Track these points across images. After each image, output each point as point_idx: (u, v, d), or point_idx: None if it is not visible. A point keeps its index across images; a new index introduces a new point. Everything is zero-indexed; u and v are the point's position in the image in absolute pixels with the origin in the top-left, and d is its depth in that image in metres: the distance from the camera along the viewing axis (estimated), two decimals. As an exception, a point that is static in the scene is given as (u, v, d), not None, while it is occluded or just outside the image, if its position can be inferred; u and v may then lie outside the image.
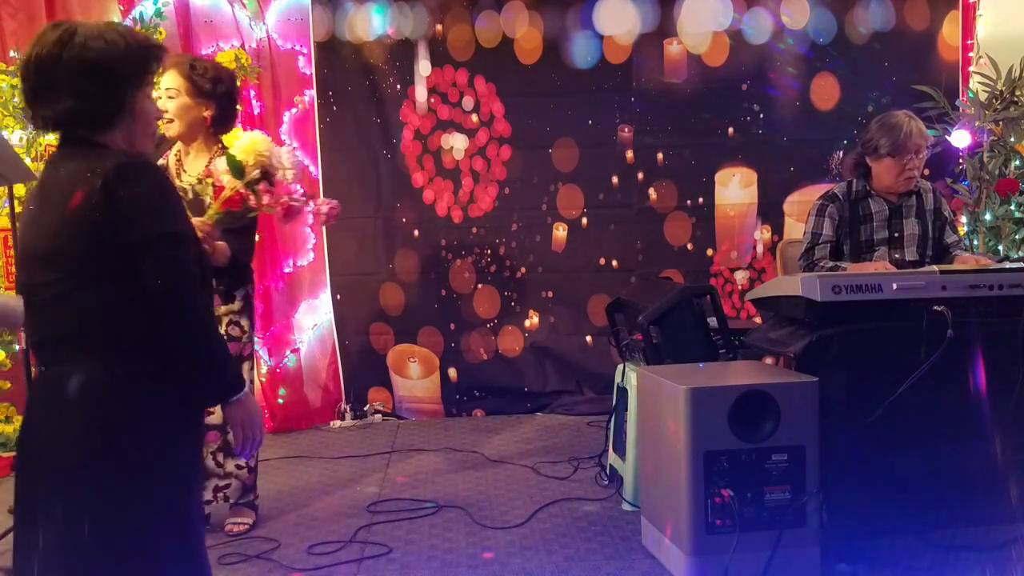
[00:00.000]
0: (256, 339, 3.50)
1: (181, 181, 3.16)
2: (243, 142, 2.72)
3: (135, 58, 1.79)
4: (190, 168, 3.20)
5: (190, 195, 3.13)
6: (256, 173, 2.70)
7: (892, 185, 3.40)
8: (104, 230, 1.67)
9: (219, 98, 3.14)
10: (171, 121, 3.10)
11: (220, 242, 2.93)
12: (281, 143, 4.87)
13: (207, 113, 3.14)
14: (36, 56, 1.74)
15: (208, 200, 2.99)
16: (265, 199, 2.70)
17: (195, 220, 2.89)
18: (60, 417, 1.70)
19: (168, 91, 3.09)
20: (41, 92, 1.76)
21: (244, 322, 3.24)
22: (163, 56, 1.87)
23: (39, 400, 1.78)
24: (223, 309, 3.17)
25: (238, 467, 3.29)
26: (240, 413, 1.83)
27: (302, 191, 2.78)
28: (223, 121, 3.22)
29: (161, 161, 3.22)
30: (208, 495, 3.25)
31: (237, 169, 2.70)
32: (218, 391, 1.82)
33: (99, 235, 1.67)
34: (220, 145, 3.22)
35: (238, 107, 3.28)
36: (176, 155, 3.24)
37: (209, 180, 3.04)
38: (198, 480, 1.94)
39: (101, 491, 1.68)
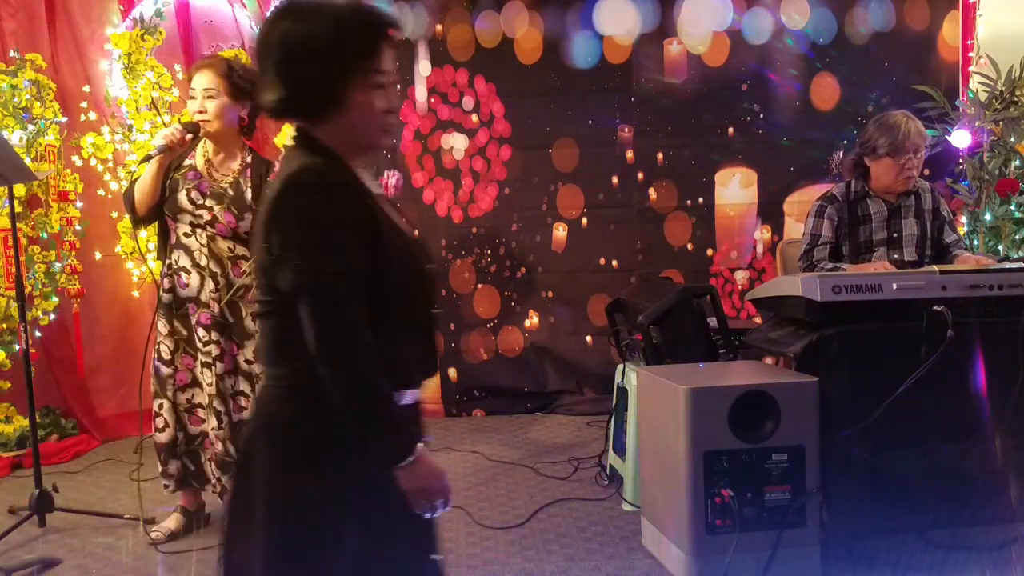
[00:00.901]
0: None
1: (215, 180, 3.16)
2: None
3: (352, 40, 1.53)
4: (221, 168, 3.19)
5: (231, 192, 3.13)
6: None
7: (891, 185, 3.40)
8: (270, 265, 1.53)
9: (255, 98, 3.14)
10: (210, 120, 3.11)
11: None
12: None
13: (243, 113, 3.17)
14: (257, 38, 1.59)
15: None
16: None
17: None
18: (247, 440, 1.64)
19: (207, 91, 3.10)
20: (261, 78, 1.59)
21: None
22: (397, 35, 1.59)
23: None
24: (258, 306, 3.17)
25: None
26: (411, 482, 1.55)
27: None
28: (253, 122, 3.26)
29: (188, 161, 3.21)
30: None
31: None
32: (379, 456, 1.54)
33: (268, 269, 1.53)
34: (252, 151, 3.25)
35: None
36: (203, 152, 3.21)
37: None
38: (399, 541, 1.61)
39: (269, 531, 1.55)
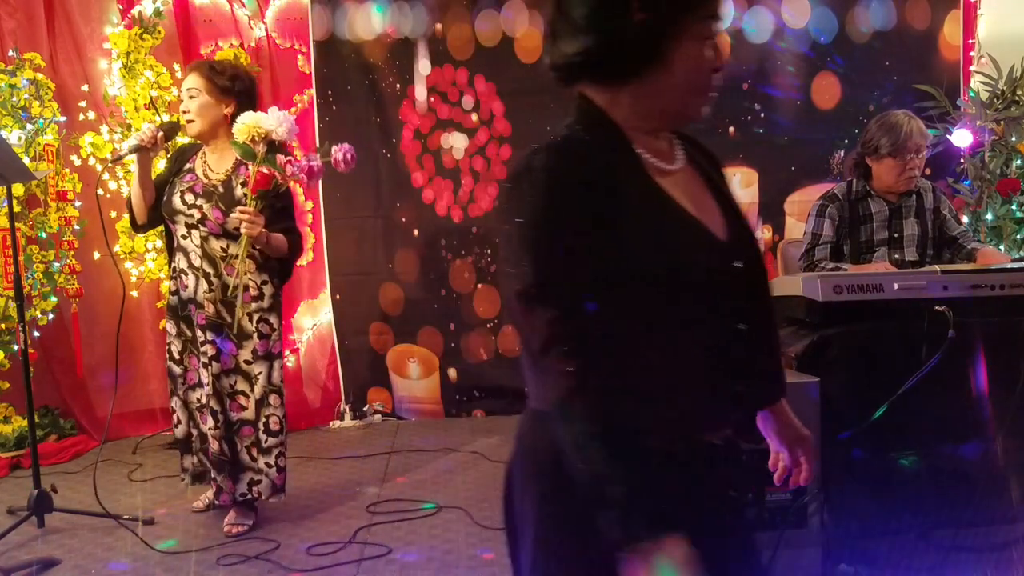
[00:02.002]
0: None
1: (209, 179, 3.21)
2: (237, 128, 2.90)
3: None
4: (215, 167, 3.24)
5: (220, 190, 3.18)
6: (262, 147, 2.88)
7: (893, 185, 3.39)
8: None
9: (238, 95, 3.22)
10: (192, 120, 3.18)
11: (276, 234, 3.11)
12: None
13: (227, 111, 3.21)
14: None
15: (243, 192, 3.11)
16: (288, 169, 2.91)
17: (237, 209, 3.00)
18: None
19: (189, 91, 3.19)
20: (551, 27, 1.27)
21: (273, 319, 3.28)
22: None
23: None
24: (253, 306, 3.21)
25: (268, 465, 3.28)
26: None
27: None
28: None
29: (188, 165, 3.28)
30: (243, 488, 3.28)
31: (248, 153, 2.88)
32: (610, 520, 1.12)
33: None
34: None
35: (256, 105, 3.31)
36: (201, 155, 3.28)
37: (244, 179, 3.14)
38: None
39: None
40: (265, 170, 2.93)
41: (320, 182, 4.90)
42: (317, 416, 4.99)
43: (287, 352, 4.92)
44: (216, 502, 3.36)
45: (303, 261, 4.96)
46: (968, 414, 2.77)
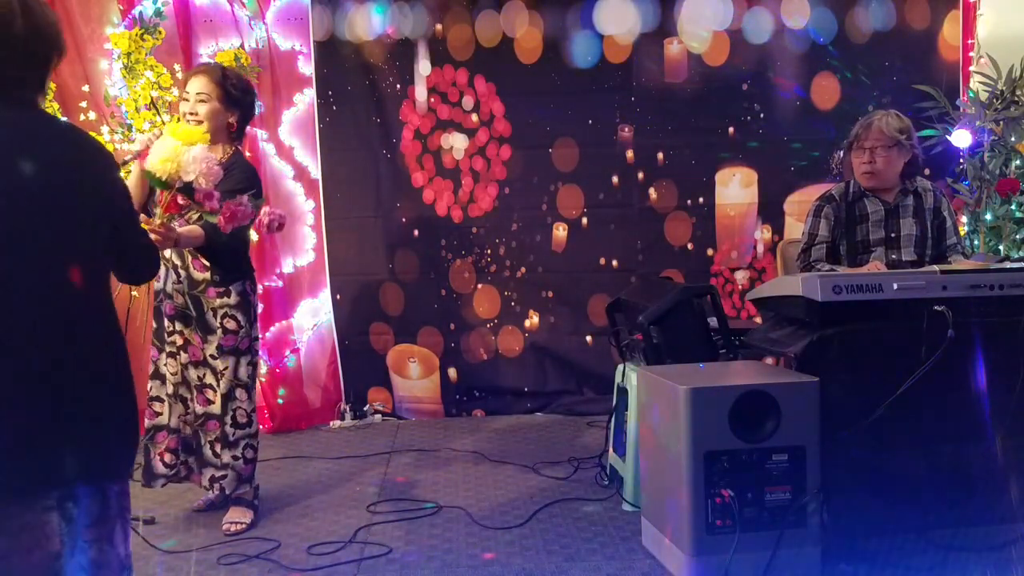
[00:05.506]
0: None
1: None
2: (154, 162, 2.70)
3: None
4: None
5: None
6: (179, 184, 2.75)
7: (859, 179, 3.43)
8: None
9: (244, 107, 3.32)
10: (201, 123, 3.22)
11: (184, 228, 3.00)
12: (280, 143, 4.88)
13: (232, 119, 3.29)
14: None
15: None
16: (207, 204, 2.87)
17: (145, 223, 2.84)
18: None
19: (200, 95, 3.22)
20: None
21: (240, 316, 3.27)
22: None
23: None
24: (217, 302, 3.24)
25: (234, 458, 3.31)
26: None
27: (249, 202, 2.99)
28: (242, 127, 3.38)
29: None
30: (204, 482, 3.33)
31: (161, 184, 2.73)
32: None
33: None
34: (235, 148, 3.35)
35: (252, 116, 3.43)
36: None
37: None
38: None
39: None
40: (181, 200, 2.88)
41: (320, 182, 4.91)
42: (317, 416, 4.99)
43: (288, 352, 4.93)
44: (191, 482, 3.46)
45: (303, 261, 4.97)
46: (967, 414, 2.77)
